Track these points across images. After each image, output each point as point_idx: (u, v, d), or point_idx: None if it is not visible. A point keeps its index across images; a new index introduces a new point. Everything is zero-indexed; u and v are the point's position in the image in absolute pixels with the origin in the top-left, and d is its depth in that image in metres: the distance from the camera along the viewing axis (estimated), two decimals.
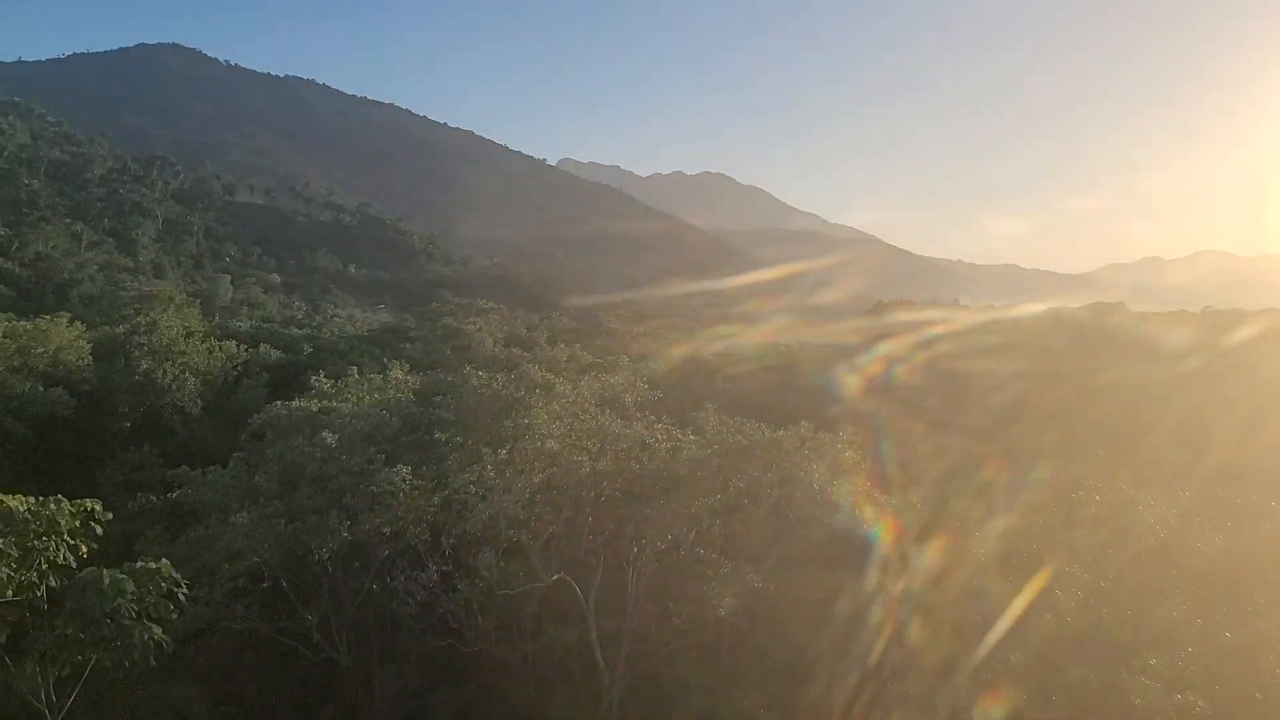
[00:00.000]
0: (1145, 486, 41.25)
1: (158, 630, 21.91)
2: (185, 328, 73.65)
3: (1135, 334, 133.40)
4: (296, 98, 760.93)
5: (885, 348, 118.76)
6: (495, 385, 41.75)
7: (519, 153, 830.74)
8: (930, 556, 40.55)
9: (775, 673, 36.43)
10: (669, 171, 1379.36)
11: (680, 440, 39.57)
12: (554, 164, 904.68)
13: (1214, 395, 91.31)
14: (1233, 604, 30.79)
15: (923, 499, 44.98)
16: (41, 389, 60.84)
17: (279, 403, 48.14)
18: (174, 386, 67.79)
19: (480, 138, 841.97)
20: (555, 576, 35.78)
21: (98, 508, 21.73)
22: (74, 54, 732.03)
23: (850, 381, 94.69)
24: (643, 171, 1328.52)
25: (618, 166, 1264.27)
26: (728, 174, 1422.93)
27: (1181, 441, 70.67)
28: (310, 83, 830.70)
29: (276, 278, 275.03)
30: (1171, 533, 37.32)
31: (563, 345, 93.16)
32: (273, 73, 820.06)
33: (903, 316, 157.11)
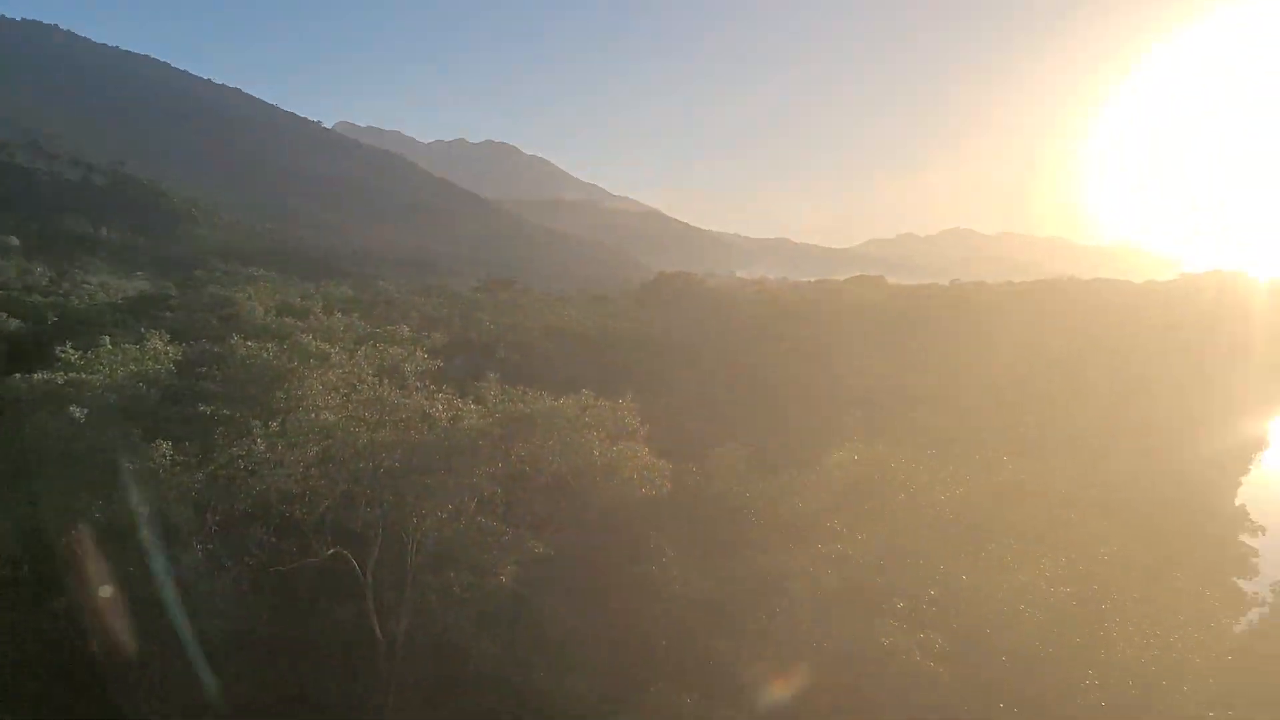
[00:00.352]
0: (899, 445, 44.39)
1: None
2: None
3: (897, 306, 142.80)
4: (36, 44, 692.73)
5: (669, 318, 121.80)
6: (266, 355, 39.95)
7: (292, 114, 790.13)
8: (714, 519, 42.21)
9: (556, 636, 36.96)
10: (452, 139, 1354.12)
11: (462, 410, 39.30)
12: (330, 127, 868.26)
13: (964, 362, 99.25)
14: (969, 548, 33.78)
15: (702, 464, 46.76)
16: None
17: (18, 376, 44.13)
18: None
19: (248, 95, 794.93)
20: (331, 551, 34.82)
21: None
22: None
23: (639, 350, 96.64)
24: (425, 138, 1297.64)
25: (399, 132, 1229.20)
26: (512, 144, 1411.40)
27: (939, 403, 76.40)
28: (53, 28, 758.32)
29: (15, 240, 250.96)
30: (920, 488, 40.47)
31: (340, 315, 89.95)
32: (6, 15, 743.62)
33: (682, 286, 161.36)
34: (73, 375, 43.53)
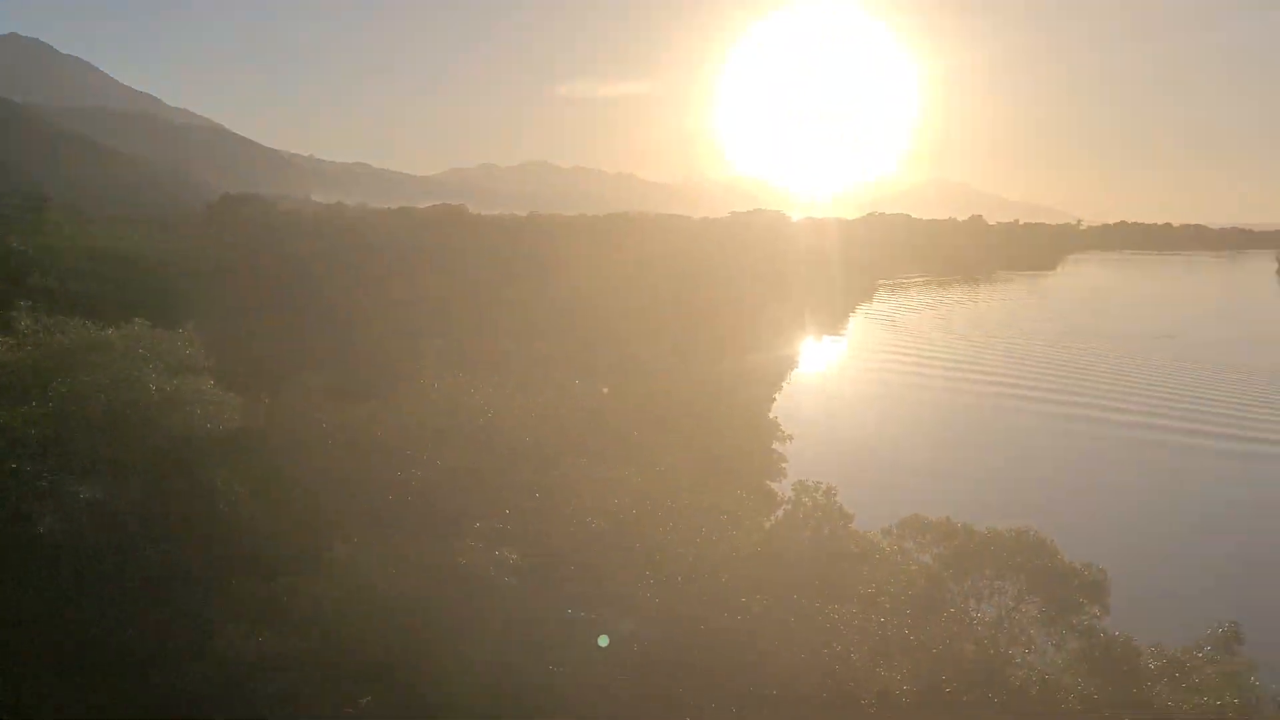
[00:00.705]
0: (477, 370, 45.53)
1: None
2: None
3: (478, 236, 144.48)
4: None
5: (236, 244, 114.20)
6: None
7: None
8: (290, 452, 40.74)
9: (112, 591, 33.99)
10: None
11: None
12: None
13: (542, 291, 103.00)
14: (544, 468, 35.71)
15: (276, 396, 44.88)
16: None
17: None
18: None
19: None
20: None
21: None
22: None
23: (202, 277, 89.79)
24: None
25: None
26: (44, 40, 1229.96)
27: (509, 331, 78.85)
28: None
29: None
30: (499, 413, 41.92)
31: None
32: None
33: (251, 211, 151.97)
34: None
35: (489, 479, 36.68)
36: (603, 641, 28.68)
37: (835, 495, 37.26)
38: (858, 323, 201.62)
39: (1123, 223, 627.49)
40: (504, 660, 26.21)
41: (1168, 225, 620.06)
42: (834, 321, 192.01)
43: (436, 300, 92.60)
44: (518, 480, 35.94)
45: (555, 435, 39.66)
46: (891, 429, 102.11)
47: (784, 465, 66.76)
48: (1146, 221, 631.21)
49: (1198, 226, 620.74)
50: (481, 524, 31.04)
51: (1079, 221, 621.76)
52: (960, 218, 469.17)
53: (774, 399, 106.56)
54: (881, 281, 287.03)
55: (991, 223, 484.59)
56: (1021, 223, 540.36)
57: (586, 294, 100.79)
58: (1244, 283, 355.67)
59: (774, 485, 58.37)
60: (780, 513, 39.78)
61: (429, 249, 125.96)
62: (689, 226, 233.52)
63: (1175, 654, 29.31)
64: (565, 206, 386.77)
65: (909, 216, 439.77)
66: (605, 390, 51.39)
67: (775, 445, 69.90)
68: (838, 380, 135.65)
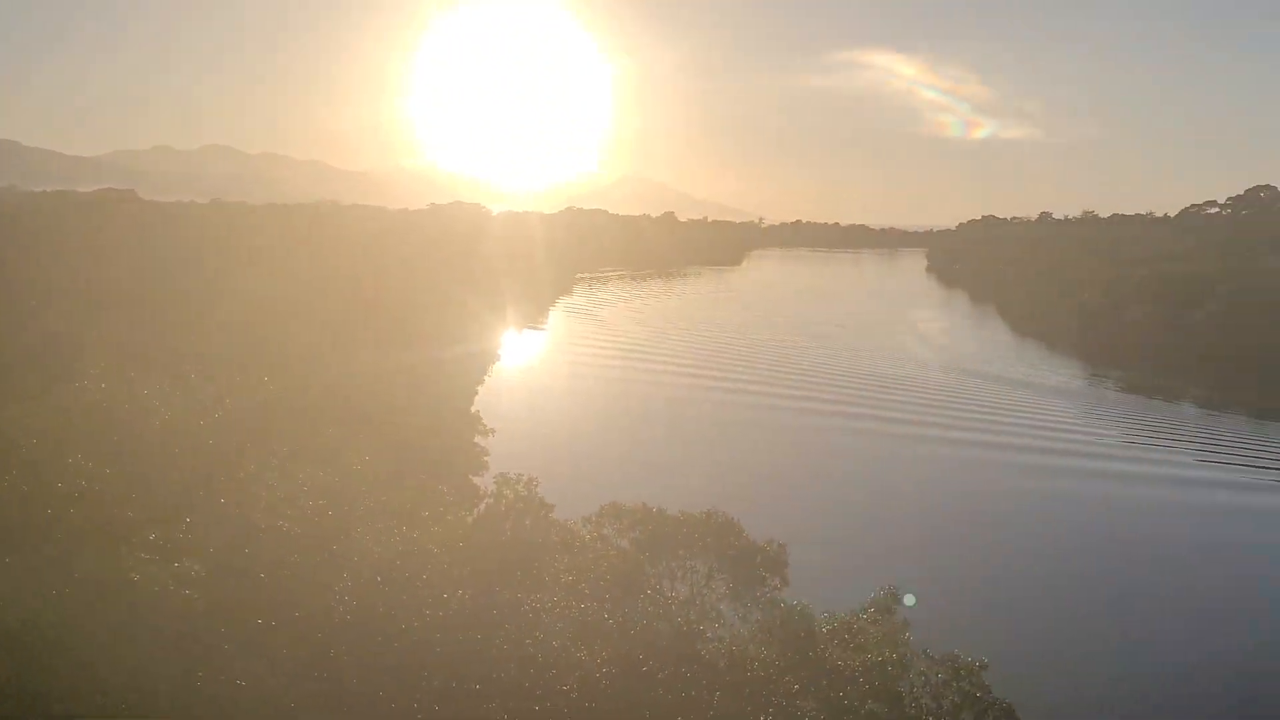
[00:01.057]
0: (146, 368, 41.94)
1: None
2: None
3: (144, 221, 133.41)
4: None
5: None
6: None
7: None
8: None
9: None
10: None
11: None
12: None
13: (226, 282, 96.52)
14: (229, 470, 33.41)
15: None
16: None
17: None
18: None
19: None
20: None
21: None
22: None
23: None
24: None
25: None
26: None
27: (184, 325, 73.25)
28: None
29: None
30: (176, 413, 38.82)
31: None
32: None
33: None
34: None
35: (166, 485, 33.85)
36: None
37: (537, 487, 37.65)
38: (557, 316, 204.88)
39: (799, 222, 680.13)
40: (186, 678, 24.22)
41: (837, 225, 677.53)
42: (534, 314, 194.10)
43: (99, 293, 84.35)
44: (197, 485, 33.42)
45: (237, 434, 37.23)
46: (590, 420, 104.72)
47: (486, 459, 66.69)
48: (819, 221, 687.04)
49: (862, 227, 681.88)
50: (157, 534, 28.50)
51: (761, 220, 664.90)
52: (654, 214, 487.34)
53: (475, 392, 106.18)
54: (580, 275, 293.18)
55: (683, 220, 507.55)
56: (710, 220, 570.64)
57: (272, 287, 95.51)
58: (902, 278, 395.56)
59: (476, 479, 58.14)
60: (483, 506, 39.61)
61: (92, 236, 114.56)
62: (386, 218, 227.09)
63: (844, 618, 31.98)
64: (251, 194, 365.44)
65: (606, 212, 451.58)
66: (291, 387, 48.91)
67: (477, 439, 69.68)
68: (538, 373, 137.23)
